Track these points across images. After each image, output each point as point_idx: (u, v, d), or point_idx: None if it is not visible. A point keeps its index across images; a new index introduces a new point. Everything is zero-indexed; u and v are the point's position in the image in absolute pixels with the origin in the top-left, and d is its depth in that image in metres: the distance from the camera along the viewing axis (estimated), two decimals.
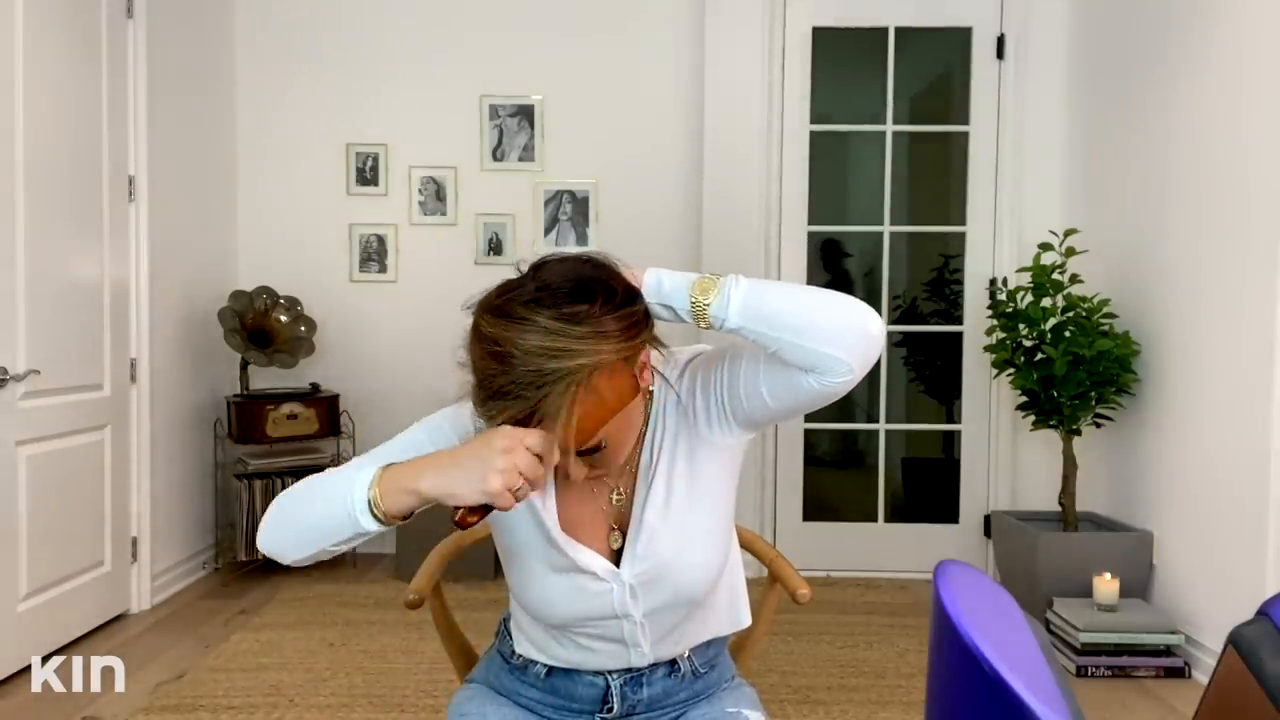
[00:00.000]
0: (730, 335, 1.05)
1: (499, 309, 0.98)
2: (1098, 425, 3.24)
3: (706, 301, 1.02)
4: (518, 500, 0.94)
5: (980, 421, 3.84)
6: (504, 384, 0.95)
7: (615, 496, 1.15)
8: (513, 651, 1.25)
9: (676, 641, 1.20)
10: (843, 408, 4.20)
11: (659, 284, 1.05)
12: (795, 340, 1.00)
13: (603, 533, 1.14)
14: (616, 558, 1.13)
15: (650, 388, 1.10)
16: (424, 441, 1.09)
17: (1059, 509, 3.24)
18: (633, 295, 1.03)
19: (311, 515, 1.01)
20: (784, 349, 1.01)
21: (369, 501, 0.97)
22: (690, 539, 1.12)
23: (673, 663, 1.22)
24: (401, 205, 4.03)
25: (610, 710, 1.20)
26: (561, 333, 0.95)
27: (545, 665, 1.21)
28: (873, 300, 3.92)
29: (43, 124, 2.75)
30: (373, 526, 0.98)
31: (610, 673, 1.20)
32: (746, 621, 1.28)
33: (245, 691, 2.56)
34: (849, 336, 1.00)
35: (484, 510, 0.96)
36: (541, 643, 1.20)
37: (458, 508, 0.95)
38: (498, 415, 0.97)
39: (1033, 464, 3.74)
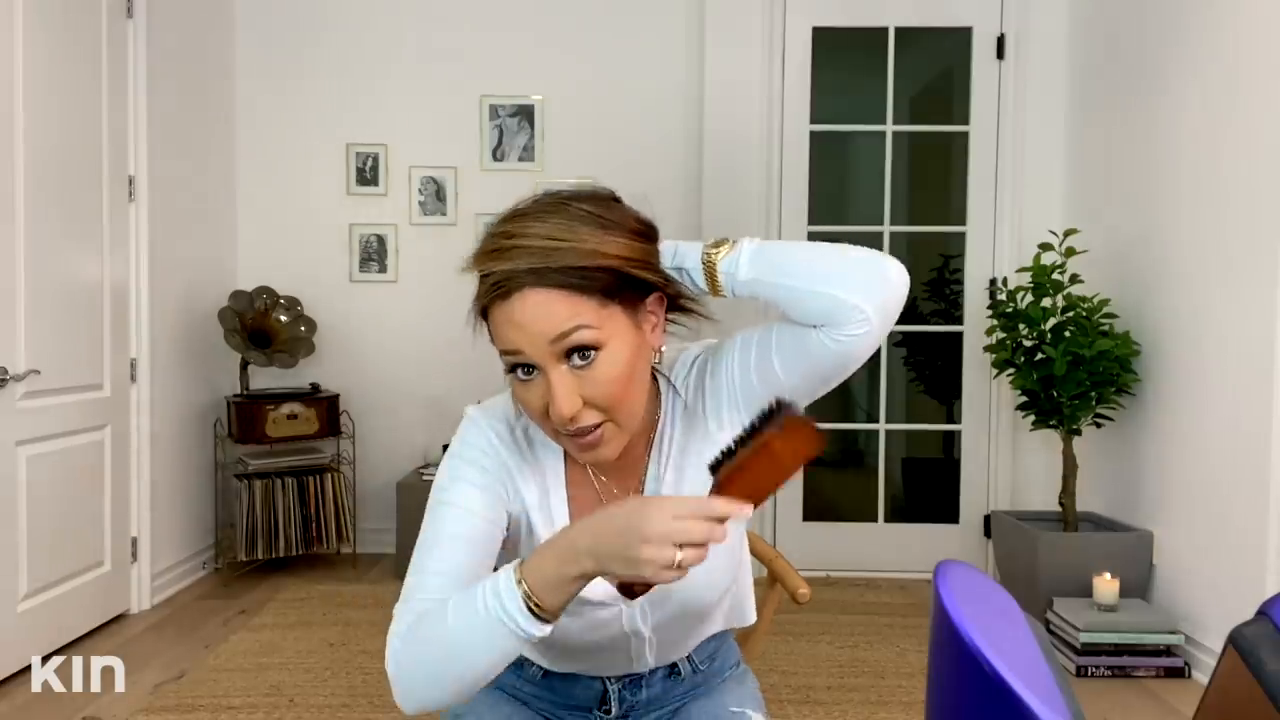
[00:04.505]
0: (740, 303, 1.02)
1: (506, 213, 0.97)
2: (1098, 425, 3.24)
3: (719, 255, 0.98)
4: (682, 570, 0.81)
5: (980, 421, 3.84)
6: (502, 274, 0.91)
7: None
8: None
9: (681, 648, 1.19)
10: (843, 408, 4.20)
11: (674, 249, 1.02)
12: (807, 287, 0.94)
13: None
14: None
15: (660, 349, 1.02)
16: (475, 482, 1.01)
17: (1059, 509, 3.24)
18: (648, 225, 1.02)
19: (455, 640, 0.88)
20: (795, 300, 0.95)
21: (524, 600, 0.85)
22: None
23: (673, 665, 1.20)
24: (401, 205, 4.03)
25: (608, 711, 1.20)
26: (573, 219, 0.93)
27: (541, 668, 1.19)
28: None
29: (43, 124, 2.75)
30: (539, 630, 0.86)
31: (609, 678, 1.18)
32: (751, 619, 1.24)
33: (245, 691, 2.56)
34: (864, 280, 0.93)
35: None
36: (537, 652, 1.18)
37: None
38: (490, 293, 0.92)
39: (1033, 464, 3.75)
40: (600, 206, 0.96)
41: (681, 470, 1.05)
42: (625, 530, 0.81)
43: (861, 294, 0.93)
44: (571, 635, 1.07)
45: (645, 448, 1.07)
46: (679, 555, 0.80)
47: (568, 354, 0.92)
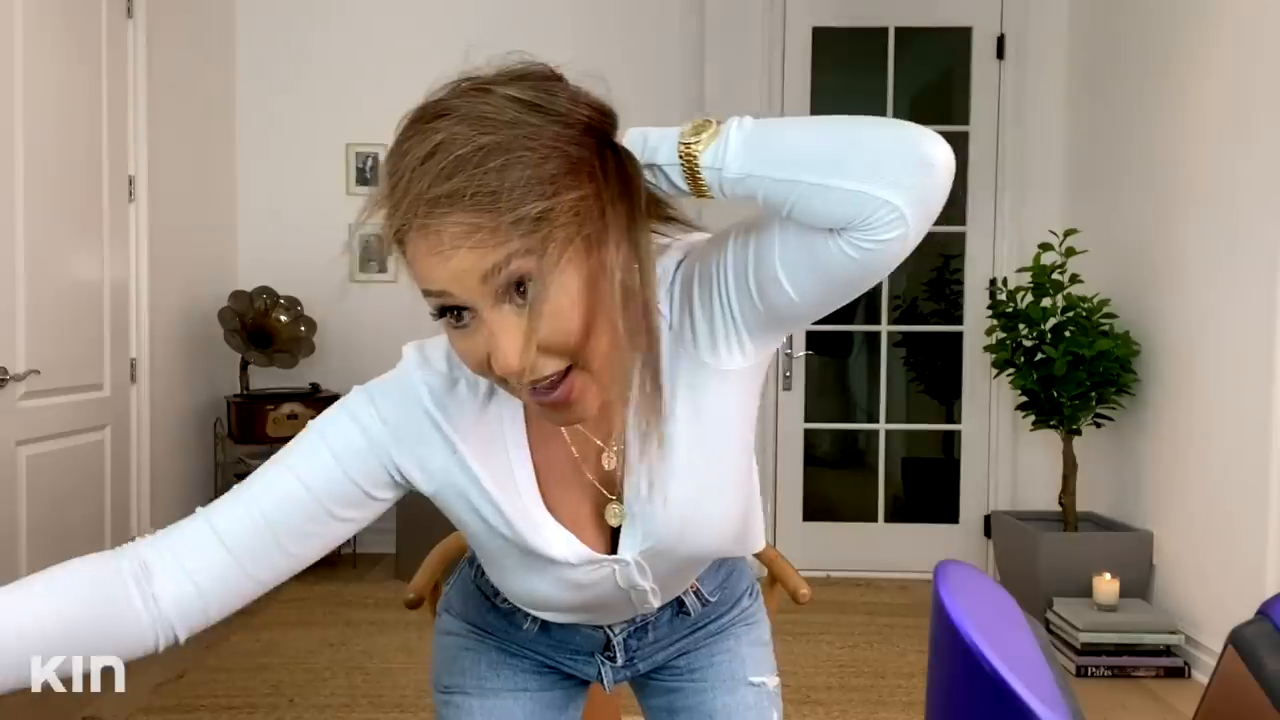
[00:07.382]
0: (734, 207, 0.79)
1: (407, 124, 0.77)
2: (1098, 425, 3.24)
3: (699, 145, 0.73)
4: None
5: (980, 421, 3.84)
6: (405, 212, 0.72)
7: (607, 460, 0.88)
8: (496, 592, 1.07)
9: (686, 584, 1.07)
10: (843, 408, 4.21)
11: (643, 139, 0.77)
12: (818, 180, 0.69)
13: (591, 508, 0.90)
14: (616, 533, 0.91)
15: None
16: (338, 447, 0.91)
17: (1059, 509, 3.24)
18: (604, 111, 0.82)
19: None
20: (803, 199, 0.70)
21: None
22: (702, 496, 0.88)
23: (680, 604, 1.08)
24: None
25: (612, 657, 1.10)
26: (519, 112, 0.73)
27: (538, 621, 1.08)
28: (873, 301, 3.92)
29: (43, 124, 2.74)
30: None
31: (611, 626, 1.07)
32: (757, 546, 1.05)
33: (245, 691, 2.56)
34: (897, 166, 0.68)
35: None
36: (531, 610, 1.06)
37: None
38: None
39: (1033, 464, 3.74)
40: (536, 92, 0.76)
41: (670, 401, 0.84)
42: None
43: (893, 185, 0.68)
44: (560, 602, 0.95)
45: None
46: None
47: (505, 291, 0.72)
